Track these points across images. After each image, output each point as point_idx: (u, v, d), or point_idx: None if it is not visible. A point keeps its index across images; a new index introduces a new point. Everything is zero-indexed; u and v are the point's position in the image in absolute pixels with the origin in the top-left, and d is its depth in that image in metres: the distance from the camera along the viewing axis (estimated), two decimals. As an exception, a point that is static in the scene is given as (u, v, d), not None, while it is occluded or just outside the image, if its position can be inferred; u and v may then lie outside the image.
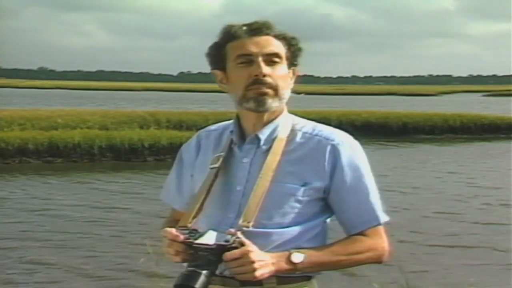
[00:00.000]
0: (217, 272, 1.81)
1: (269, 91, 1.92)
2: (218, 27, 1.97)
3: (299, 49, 2.01)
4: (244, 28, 1.94)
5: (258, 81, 1.91)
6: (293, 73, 2.01)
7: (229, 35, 1.94)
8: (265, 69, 1.91)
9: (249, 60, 1.92)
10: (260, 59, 1.91)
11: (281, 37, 1.96)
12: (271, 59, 1.93)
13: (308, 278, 1.94)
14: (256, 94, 1.92)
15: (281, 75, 1.94)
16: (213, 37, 2.00)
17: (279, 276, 1.86)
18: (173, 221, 2.02)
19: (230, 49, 1.95)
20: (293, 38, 1.99)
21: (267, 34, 1.95)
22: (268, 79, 1.91)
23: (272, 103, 1.93)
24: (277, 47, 1.95)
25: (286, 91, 1.96)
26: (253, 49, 1.92)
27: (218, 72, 2.00)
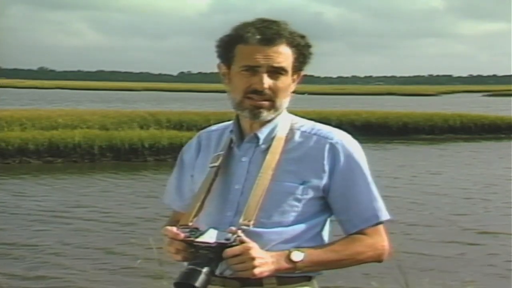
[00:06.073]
0: (217, 272, 1.81)
1: (266, 103, 1.92)
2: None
3: (309, 56, 1.99)
4: (257, 36, 1.90)
5: (257, 92, 1.91)
6: (298, 76, 2.01)
7: (241, 38, 1.92)
8: (267, 82, 1.91)
9: (254, 70, 1.91)
10: (265, 71, 1.91)
11: (293, 45, 1.94)
12: (276, 71, 1.92)
13: (309, 279, 1.95)
14: (252, 106, 1.92)
15: (282, 87, 1.93)
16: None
17: (279, 276, 1.87)
18: (175, 222, 2.02)
19: (239, 53, 1.93)
20: (305, 46, 1.96)
21: (280, 43, 1.92)
22: (268, 92, 1.91)
23: (267, 115, 1.94)
24: (286, 59, 1.93)
25: (284, 101, 1.97)
26: (261, 61, 1.90)
27: (222, 66, 2.01)
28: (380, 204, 1.98)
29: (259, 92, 1.91)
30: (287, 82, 1.95)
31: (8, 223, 10.01)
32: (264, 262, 1.81)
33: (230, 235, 1.80)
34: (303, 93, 56.54)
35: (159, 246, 5.07)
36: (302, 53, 1.96)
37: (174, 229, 1.86)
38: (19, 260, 8.03)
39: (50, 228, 9.70)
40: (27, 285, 7.19)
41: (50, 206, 11.39)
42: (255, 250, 1.79)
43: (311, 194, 1.93)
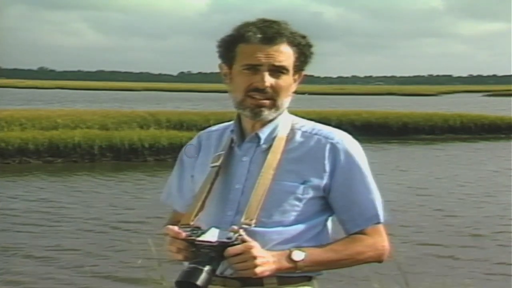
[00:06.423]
0: (218, 272, 1.82)
1: (267, 102, 1.93)
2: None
3: (310, 56, 2.00)
4: (259, 35, 1.91)
5: (258, 90, 1.92)
6: (299, 76, 2.02)
7: (242, 37, 1.93)
8: (268, 80, 1.91)
9: (255, 69, 1.92)
10: (266, 70, 1.91)
11: (294, 44, 1.95)
12: (277, 70, 1.93)
13: (309, 279, 1.95)
14: (253, 105, 1.93)
15: (283, 86, 1.94)
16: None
17: (279, 276, 1.88)
18: (175, 223, 2.02)
19: (240, 52, 1.94)
20: (306, 46, 1.97)
21: (281, 42, 1.93)
22: (269, 90, 1.92)
23: (269, 114, 1.95)
24: (287, 58, 1.94)
25: (285, 100, 1.98)
26: (262, 59, 1.91)
27: (224, 66, 2.01)
28: (380, 204, 1.99)
29: (261, 90, 1.92)
30: (288, 81, 1.96)
31: (4, 225, 9.99)
32: (266, 261, 1.81)
33: (231, 234, 1.80)
34: (303, 93, 56.56)
35: (158, 246, 5.07)
36: (303, 52, 1.97)
37: (176, 228, 1.87)
38: (14, 259, 8.02)
39: (45, 229, 9.67)
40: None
41: (47, 206, 11.38)
42: (257, 249, 1.80)
43: (311, 193, 1.94)
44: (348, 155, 1.96)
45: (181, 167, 2.16)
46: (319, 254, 1.89)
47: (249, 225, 1.86)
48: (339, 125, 2.06)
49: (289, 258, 1.85)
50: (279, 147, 1.96)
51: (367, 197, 1.97)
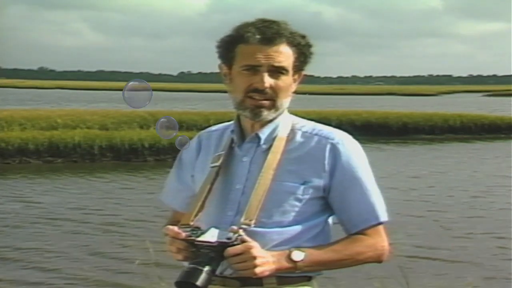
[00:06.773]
0: (218, 272, 1.82)
1: (266, 102, 1.93)
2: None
3: (310, 56, 2.00)
4: (258, 36, 1.91)
5: (258, 90, 1.92)
6: (299, 76, 2.01)
7: (241, 37, 1.93)
8: (268, 81, 1.91)
9: (254, 69, 1.92)
10: (266, 71, 1.91)
11: (294, 44, 1.95)
12: (277, 70, 1.93)
13: (308, 279, 1.95)
14: (253, 105, 1.93)
15: (283, 86, 1.94)
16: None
17: (279, 276, 1.88)
18: (175, 223, 2.02)
19: (240, 53, 1.94)
20: (306, 46, 1.97)
21: (280, 43, 1.93)
22: (268, 91, 1.92)
23: (268, 115, 1.95)
24: (286, 58, 1.93)
25: (285, 101, 1.97)
26: (261, 60, 1.91)
27: (224, 67, 2.01)
28: (381, 205, 1.98)
29: (260, 91, 1.92)
30: (288, 82, 1.96)
31: (5, 225, 9.98)
32: (265, 261, 1.81)
33: (231, 234, 1.80)
34: (303, 93, 56.55)
35: (156, 247, 5.07)
36: (303, 52, 1.97)
37: (176, 228, 1.87)
38: (11, 263, 7.99)
39: (44, 230, 9.65)
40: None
41: (47, 207, 11.37)
42: (257, 249, 1.80)
43: (312, 194, 1.93)
44: (348, 156, 1.96)
45: (180, 167, 2.16)
46: (319, 254, 1.89)
47: (249, 225, 1.86)
48: (339, 125, 2.06)
49: (289, 258, 1.85)
50: (279, 147, 1.96)
51: (367, 197, 1.96)
